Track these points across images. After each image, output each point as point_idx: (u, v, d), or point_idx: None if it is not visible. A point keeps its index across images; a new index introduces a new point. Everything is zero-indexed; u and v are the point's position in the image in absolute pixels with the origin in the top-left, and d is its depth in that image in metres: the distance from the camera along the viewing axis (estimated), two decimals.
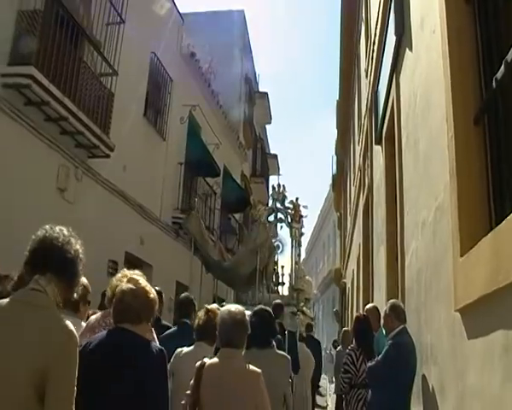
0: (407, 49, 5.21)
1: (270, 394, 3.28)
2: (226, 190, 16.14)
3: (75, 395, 2.04)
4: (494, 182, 2.88)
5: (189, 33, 14.06)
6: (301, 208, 18.50)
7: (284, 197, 18.43)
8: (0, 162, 6.43)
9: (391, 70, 6.12)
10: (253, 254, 13.20)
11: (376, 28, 7.57)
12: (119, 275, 3.20)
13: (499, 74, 2.70)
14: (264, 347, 4.01)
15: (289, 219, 18.05)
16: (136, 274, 3.06)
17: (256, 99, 23.75)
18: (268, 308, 4.50)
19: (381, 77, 7.24)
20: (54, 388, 1.98)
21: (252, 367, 3.19)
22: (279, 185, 18.77)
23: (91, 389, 2.43)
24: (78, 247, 2.32)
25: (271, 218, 18.13)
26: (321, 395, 15.37)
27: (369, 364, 4.48)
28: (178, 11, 13.27)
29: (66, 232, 2.31)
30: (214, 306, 4.00)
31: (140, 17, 10.12)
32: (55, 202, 7.65)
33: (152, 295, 2.84)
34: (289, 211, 18.11)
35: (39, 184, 7.27)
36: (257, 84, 25.61)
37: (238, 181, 18.40)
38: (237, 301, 16.24)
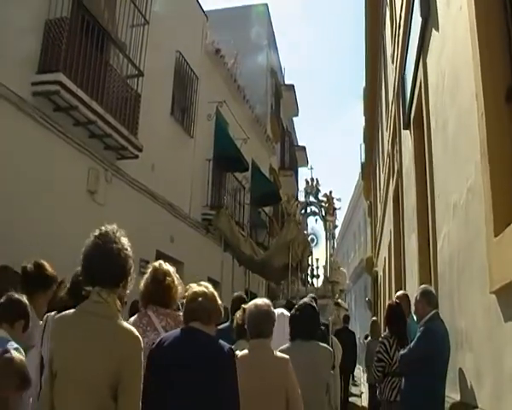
0: (433, 30, 5.10)
1: (313, 382, 3.62)
2: (255, 184, 16.15)
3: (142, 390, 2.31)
4: None
5: (213, 30, 14.07)
6: (335, 201, 18.49)
7: (318, 191, 18.47)
8: (32, 168, 6.58)
9: (417, 53, 6.00)
10: (285, 249, 13.40)
11: (401, 11, 7.44)
12: (155, 265, 3.52)
13: None
14: (308, 339, 4.11)
15: (323, 213, 18.07)
16: (165, 265, 3.49)
17: (282, 92, 23.68)
18: (312, 303, 4.63)
19: (407, 61, 7.13)
20: (126, 386, 2.24)
21: (280, 354, 3.38)
22: (312, 179, 18.82)
23: (164, 383, 2.60)
24: (129, 251, 2.47)
25: (304, 211, 18.17)
26: (355, 384, 15.43)
27: (402, 352, 4.41)
28: (202, 9, 13.29)
29: (118, 239, 2.46)
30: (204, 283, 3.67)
31: (164, 17, 10.16)
32: (86, 205, 7.77)
33: (219, 301, 3.07)
34: (323, 204, 18.10)
35: (70, 187, 7.39)
36: (283, 76, 25.51)
37: (267, 175, 18.38)
38: (269, 295, 16.31)
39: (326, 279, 16.62)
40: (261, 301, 3.62)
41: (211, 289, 3.07)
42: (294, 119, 29.25)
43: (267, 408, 3.26)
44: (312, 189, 18.23)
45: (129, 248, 2.47)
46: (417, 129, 6.50)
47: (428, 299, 4.27)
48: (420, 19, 5.54)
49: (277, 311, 4.58)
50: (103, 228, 2.46)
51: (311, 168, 21.48)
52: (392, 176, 10.75)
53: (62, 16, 7.00)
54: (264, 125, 18.91)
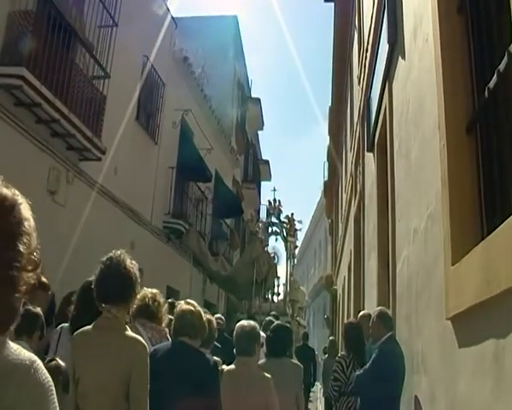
0: (400, 58, 5.23)
1: (285, 395, 4.00)
2: (218, 195, 16.16)
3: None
4: (486, 191, 2.89)
5: (182, 38, 14.08)
6: (296, 223, 19.13)
7: (280, 212, 19.07)
8: None
9: (383, 78, 6.13)
10: (250, 265, 13.90)
11: (369, 36, 7.59)
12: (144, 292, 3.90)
13: (492, 84, 2.71)
14: (280, 356, 4.52)
15: (285, 233, 18.59)
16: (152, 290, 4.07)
17: (248, 104, 23.81)
18: (284, 324, 5.24)
19: (373, 84, 7.27)
20: (135, 385, 2.69)
21: (264, 373, 3.79)
22: (275, 200, 19.44)
23: (156, 391, 2.89)
24: (137, 274, 2.94)
25: (268, 230, 18.61)
26: (310, 401, 15.53)
27: (357, 372, 4.47)
28: (172, 15, 13.28)
29: (126, 263, 2.90)
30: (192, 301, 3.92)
31: (133, 20, 10.11)
32: (46, 205, 7.59)
33: (204, 318, 3.53)
34: (285, 225, 18.61)
35: (29, 186, 7.18)
36: (249, 89, 25.66)
37: (230, 186, 18.40)
38: (228, 308, 16.39)
39: (285, 298, 17.11)
40: (247, 322, 4.05)
41: (198, 307, 3.48)
42: (259, 132, 29.42)
43: None
44: (275, 209, 18.90)
45: (137, 272, 2.93)
46: (381, 152, 6.62)
47: (384, 321, 4.35)
48: (387, 45, 5.67)
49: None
50: (112, 254, 2.90)
51: (275, 190, 21.88)
52: (354, 196, 10.91)
53: (27, 9, 6.86)
54: (228, 137, 18.95)
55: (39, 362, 1.11)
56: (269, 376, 3.72)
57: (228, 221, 18.54)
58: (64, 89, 7.53)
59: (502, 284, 2.10)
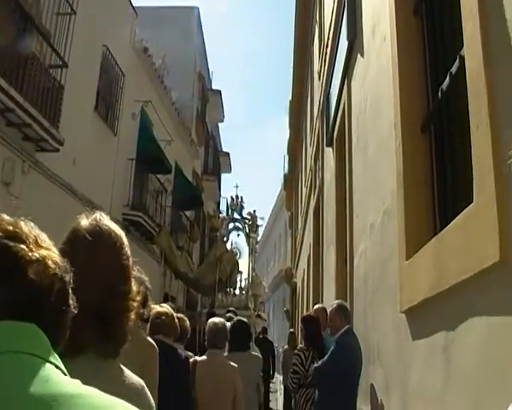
0: (359, 55, 5.32)
1: (248, 382, 4.72)
2: (177, 187, 16.06)
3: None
4: (439, 188, 3.00)
5: (142, 28, 13.88)
6: (258, 219, 19.85)
7: (242, 208, 19.61)
8: None
9: (342, 74, 6.22)
10: (214, 266, 15.34)
11: (329, 31, 7.68)
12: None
13: (444, 85, 2.81)
14: (242, 349, 5.14)
15: (247, 230, 19.11)
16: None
17: (209, 97, 23.70)
18: (244, 320, 5.84)
19: (332, 80, 7.36)
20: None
21: (231, 363, 4.36)
22: (237, 196, 19.89)
23: None
24: (147, 283, 3.08)
25: (230, 226, 19.12)
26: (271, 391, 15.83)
27: (316, 365, 4.56)
28: (132, 4, 13.07)
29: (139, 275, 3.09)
30: (166, 305, 4.28)
31: (92, 9, 9.90)
32: (0, 196, 7.40)
33: (176, 320, 4.03)
34: (247, 221, 19.13)
35: None
36: (210, 81, 25.53)
37: (190, 178, 18.31)
38: (188, 300, 16.51)
39: (248, 292, 17.71)
40: (218, 320, 4.67)
41: (171, 310, 3.96)
42: (220, 124, 29.36)
43: (219, 403, 4.14)
44: (237, 206, 19.37)
45: (146, 281, 3.00)
46: (339, 148, 6.73)
47: (342, 314, 4.44)
48: (346, 42, 5.75)
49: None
50: None
51: (237, 186, 22.08)
52: (313, 190, 11.04)
53: None
54: (188, 129, 18.84)
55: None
56: (235, 365, 4.32)
57: (188, 213, 18.46)
58: (19, 77, 7.32)
59: (450, 280, 2.19)
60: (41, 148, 8.34)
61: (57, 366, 0.77)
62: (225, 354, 4.83)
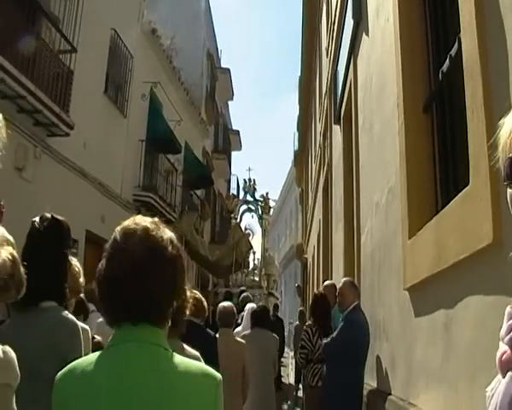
0: (364, 34, 5.32)
1: (267, 358, 5.71)
2: (188, 166, 16.14)
3: None
4: (441, 167, 3.05)
5: (150, 9, 13.83)
6: (270, 201, 20.79)
7: (255, 190, 20.50)
8: None
9: (349, 52, 6.22)
10: (232, 249, 16.24)
11: (336, 9, 7.65)
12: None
13: (445, 67, 2.85)
14: (262, 328, 5.86)
15: (260, 211, 20.00)
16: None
17: (218, 75, 23.59)
18: (265, 305, 7.28)
19: (340, 58, 7.35)
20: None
21: (239, 339, 5.03)
22: (250, 180, 20.75)
23: None
24: None
25: (243, 207, 20.20)
26: (283, 366, 16.26)
27: (325, 341, 4.66)
28: None
29: None
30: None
31: None
32: (13, 181, 7.52)
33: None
34: (260, 204, 20.01)
35: None
36: (219, 60, 25.41)
37: (200, 157, 18.37)
38: (200, 280, 17.23)
39: (261, 272, 18.62)
40: (227, 303, 5.25)
41: (199, 294, 4.08)
42: (229, 103, 29.27)
43: (233, 373, 4.40)
44: (250, 188, 20.16)
45: None
46: (347, 125, 6.76)
47: (355, 290, 4.54)
48: (352, 20, 5.75)
49: (248, 305, 7.14)
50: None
51: (249, 169, 22.64)
52: (322, 167, 11.07)
53: None
54: (198, 108, 18.83)
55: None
56: (243, 341, 4.90)
57: (198, 192, 18.56)
58: (30, 64, 7.39)
59: (449, 259, 2.27)
60: (52, 133, 8.44)
61: (168, 350, 1.25)
62: (248, 331, 5.88)
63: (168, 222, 10.70)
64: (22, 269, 1.56)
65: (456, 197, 2.29)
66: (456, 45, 2.56)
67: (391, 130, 3.74)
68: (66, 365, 1.29)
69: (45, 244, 2.43)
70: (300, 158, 22.78)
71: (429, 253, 2.60)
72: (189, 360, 1.28)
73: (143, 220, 1.33)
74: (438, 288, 2.54)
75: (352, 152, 6.09)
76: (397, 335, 3.55)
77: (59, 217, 2.74)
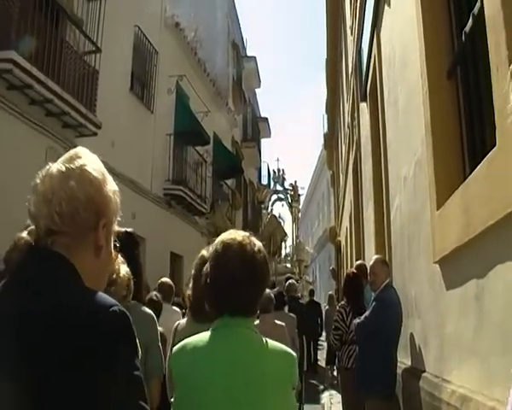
0: (386, 6, 5.17)
1: (285, 337, 5.57)
2: (217, 157, 16.15)
3: None
4: (467, 133, 2.93)
5: (172, 3, 13.82)
6: (299, 190, 21.61)
7: (284, 179, 21.30)
8: None
9: (372, 26, 6.07)
10: (268, 239, 17.27)
11: None
12: None
13: (467, 27, 2.72)
14: (279, 309, 6.22)
15: (290, 200, 20.73)
16: None
17: (244, 63, 23.48)
18: (281, 290, 7.76)
19: (363, 34, 7.20)
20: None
21: (279, 322, 5.05)
22: (279, 170, 21.84)
23: None
24: None
25: (274, 197, 21.14)
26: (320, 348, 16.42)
27: (358, 320, 4.57)
28: None
29: None
30: None
31: None
32: None
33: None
34: (289, 192, 20.75)
35: (27, 168, 7.22)
36: (244, 49, 25.28)
37: (229, 147, 18.36)
38: None
39: (293, 258, 19.31)
40: (267, 290, 5.18)
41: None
42: (256, 90, 29.13)
43: None
44: (279, 178, 21.03)
45: None
46: (373, 101, 6.61)
47: (382, 269, 4.43)
48: None
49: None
50: None
51: (278, 160, 23.75)
52: (351, 147, 10.91)
53: None
54: (225, 98, 18.79)
55: None
56: (283, 324, 4.94)
57: (229, 182, 18.57)
58: (55, 68, 7.47)
59: (478, 227, 2.16)
60: (80, 133, 8.54)
61: (257, 333, 1.59)
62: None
63: (200, 214, 10.87)
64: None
65: (483, 161, 2.18)
66: (478, 3, 2.43)
67: (415, 101, 3.62)
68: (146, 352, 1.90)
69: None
70: (330, 140, 22.52)
71: (458, 222, 2.50)
72: (271, 341, 1.60)
73: (238, 235, 1.67)
74: (468, 258, 2.44)
75: (378, 128, 5.95)
76: (428, 310, 3.45)
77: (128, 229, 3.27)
